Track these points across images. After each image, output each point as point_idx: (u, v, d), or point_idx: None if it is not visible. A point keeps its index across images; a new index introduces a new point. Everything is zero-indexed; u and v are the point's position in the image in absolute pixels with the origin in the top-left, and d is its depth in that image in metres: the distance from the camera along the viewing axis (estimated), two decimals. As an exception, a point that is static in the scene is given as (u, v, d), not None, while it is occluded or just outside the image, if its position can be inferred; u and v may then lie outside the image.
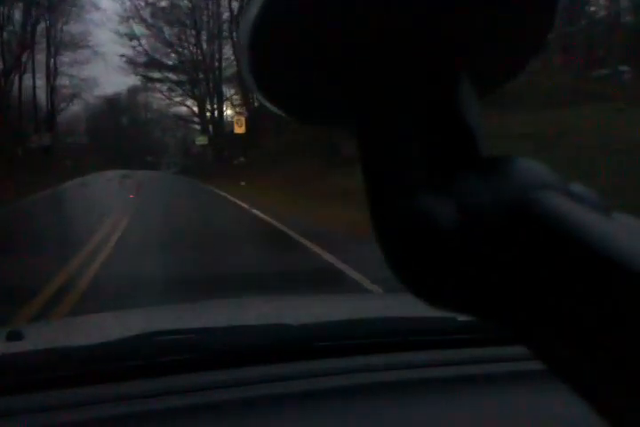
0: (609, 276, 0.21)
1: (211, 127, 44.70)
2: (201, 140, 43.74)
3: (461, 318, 1.04)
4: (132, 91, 52.84)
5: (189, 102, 47.85)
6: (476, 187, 0.24)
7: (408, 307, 1.17)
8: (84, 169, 46.01)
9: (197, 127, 48.44)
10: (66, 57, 45.11)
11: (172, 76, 46.47)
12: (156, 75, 46.38)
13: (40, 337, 1.30)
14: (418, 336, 1.16)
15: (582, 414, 0.25)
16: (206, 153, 45.11)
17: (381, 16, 0.26)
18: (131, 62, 45.36)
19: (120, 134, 67.50)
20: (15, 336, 1.11)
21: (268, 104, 0.29)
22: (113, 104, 66.22)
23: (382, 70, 0.27)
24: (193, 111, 47.98)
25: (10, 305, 4.45)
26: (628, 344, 0.20)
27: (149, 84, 48.12)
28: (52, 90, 46.02)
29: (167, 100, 48.53)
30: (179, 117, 49.86)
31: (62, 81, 47.77)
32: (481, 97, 0.28)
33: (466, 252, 0.24)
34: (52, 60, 46.24)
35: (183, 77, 46.08)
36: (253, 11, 0.26)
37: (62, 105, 49.31)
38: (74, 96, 48.62)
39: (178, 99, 47.47)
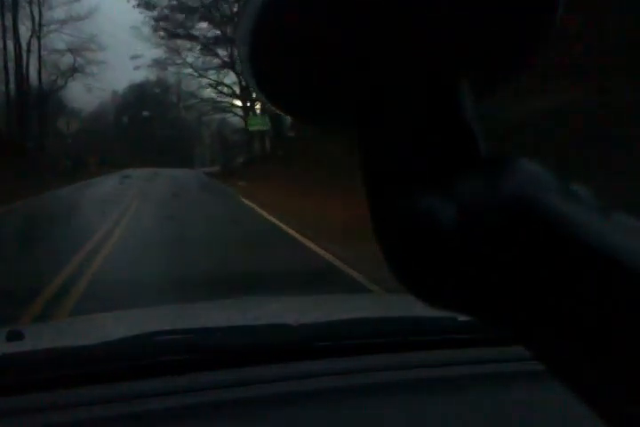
0: (609, 276, 0.21)
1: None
2: (256, 123, 28.15)
3: (461, 318, 1.04)
4: (159, 66, 36.79)
5: (227, 80, 35.09)
6: (475, 187, 0.24)
7: (408, 307, 1.17)
8: (98, 169, 34.49)
9: (239, 112, 36.22)
10: (56, 9, 32.27)
11: (201, 35, 31.78)
12: (181, 31, 31.81)
13: (40, 337, 1.30)
14: (418, 336, 1.16)
15: (582, 415, 0.25)
16: (253, 144, 31.36)
17: (381, 16, 0.26)
18: (143, 4, 31.01)
19: (149, 126, 57.98)
20: (15, 336, 1.11)
21: (269, 104, 0.29)
22: (141, 91, 56.00)
23: (382, 70, 0.27)
24: (233, 91, 35.51)
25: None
26: (628, 344, 0.20)
27: (176, 42, 32.83)
28: (25, 54, 30.83)
29: (197, 77, 34.52)
30: (216, 85, 35.49)
31: (53, 43, 33.90)
32: (481, 98, 0.28)
33: (466, 252, 0.24)
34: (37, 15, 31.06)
35: (218, 33, 31.71)
36: (253, 11, 0.26)
37: (60, 81, 36.06)
38: (75, 70, 35.00)
39: (212, 73, 34.40)
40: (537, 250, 0.23)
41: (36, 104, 34.37)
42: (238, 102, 36.42)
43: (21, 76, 31.45)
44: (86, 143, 48.06)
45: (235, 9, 30.04)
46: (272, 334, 1.13)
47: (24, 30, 32.06)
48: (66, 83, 36.48)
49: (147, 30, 33.84)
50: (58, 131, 36.23)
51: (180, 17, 32.48)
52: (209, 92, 37.48)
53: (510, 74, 0.29)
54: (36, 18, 32.92)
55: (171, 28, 33.02)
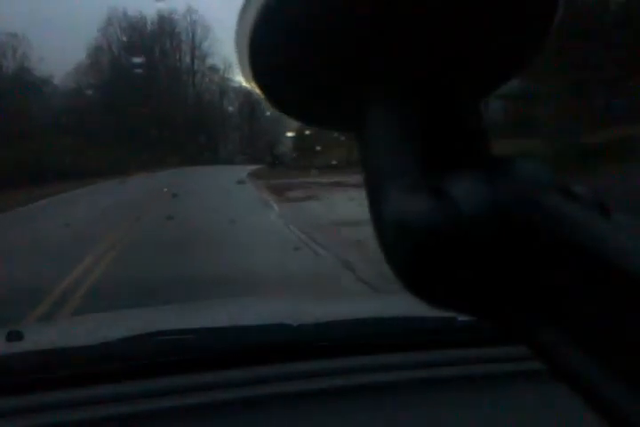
0: (608, 276, 0.21)
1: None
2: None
3: (461, 318, 1.04)
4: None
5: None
6: (476, 188, 0.24)
7: (408, 307, 1.17)
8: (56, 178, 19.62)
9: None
10: None
11: None
12: None
13: (40, 337, 1.30)
14: (418, 336, 1.16)
15: (582, 414, 0.25)
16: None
17: (382, 18, 0.26)
18: None
19: (150, 100, 35.08)
20: (15, 336, 1.11)
21: (269, 106, 0.29)
22: (136, 38, 34.93)
23: (382, 71, 0.27)
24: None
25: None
26: (628, 344, 0.20)
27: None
28: None
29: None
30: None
31: None
32: (481, 97, 0.28)
33: (465, 252, 0.24)
34: None
35: None
36: (252, 13, 0.26)
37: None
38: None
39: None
40: (536, 251, 0.23)
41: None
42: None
43: None
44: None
45: None
46: (272, 334, 1.13)
47: None
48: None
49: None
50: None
51: None
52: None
53: (510, 74, 0.29)
54: None
55: None
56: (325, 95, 0.29)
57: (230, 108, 39.90)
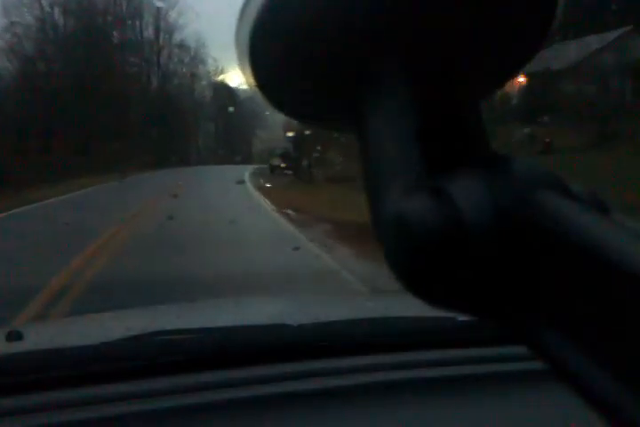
0: (608, 276, 0.21)
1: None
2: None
3: (461, 318, 1.04)
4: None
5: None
6: (475, 188, 0.24)
7: (408, 307, 1.17)
8: None
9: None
10: None
11: None
12: None
13: (40, 337, 1.30)
14: (418, 336, 1.16)
15: (582, 414, 0.25)
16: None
17: (381, 17, 0.26)
18: None
19: (98, 80, 23.96)
20: (15, 336, 1.11)
21: (270, 106, 0.29)
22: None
23: (383, 71, 0.27)
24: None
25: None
26: (629, 344, 0.20)
27: None
28: None
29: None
30: None
31: None
32: (480, 97, 0.28)
33: (465, 252, 0.24)
34: None
35: None
36: (252, 13, 0.26)
37: None
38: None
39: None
40: (536, 251, 0.23)
41: None
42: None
43: None
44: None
45: None
46: (272, 334, 1.13)
47: None
48: None
49: None
50: None
51: None
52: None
53: (509, 74, 0.29)
54: None
55: None
56: (325, 95, 0.29)
57: (204, 96, 29.30)
